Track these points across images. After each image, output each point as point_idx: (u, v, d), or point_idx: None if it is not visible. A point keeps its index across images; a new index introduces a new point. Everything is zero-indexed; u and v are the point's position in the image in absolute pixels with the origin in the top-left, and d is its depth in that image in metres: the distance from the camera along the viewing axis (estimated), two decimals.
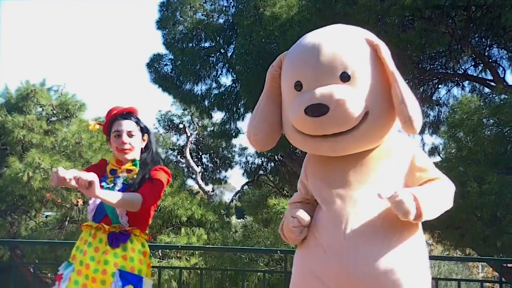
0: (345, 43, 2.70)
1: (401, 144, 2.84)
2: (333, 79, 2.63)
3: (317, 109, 2.58)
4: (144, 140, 3.62)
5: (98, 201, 3.41)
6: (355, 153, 2.76)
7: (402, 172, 2.79)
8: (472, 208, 9.79)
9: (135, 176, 3.50)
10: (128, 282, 3.33)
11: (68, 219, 14.41)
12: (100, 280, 3.30)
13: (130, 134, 3.51)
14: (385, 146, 2.81)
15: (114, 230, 3.39)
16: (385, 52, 2.71)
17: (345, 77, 2.63)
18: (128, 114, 3.58)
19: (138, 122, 3.59)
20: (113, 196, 3.21)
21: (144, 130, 3.62)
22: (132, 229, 3.44)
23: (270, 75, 2.96)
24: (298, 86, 2.71)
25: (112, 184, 3.45)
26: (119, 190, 3.39)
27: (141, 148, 3.61)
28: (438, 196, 2.72)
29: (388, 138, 2.79)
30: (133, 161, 3.54)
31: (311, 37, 2.77)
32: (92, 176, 2.98)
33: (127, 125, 3.52)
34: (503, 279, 6.16)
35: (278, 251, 5.45)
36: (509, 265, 10.22)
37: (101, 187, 3.31)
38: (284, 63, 2.88)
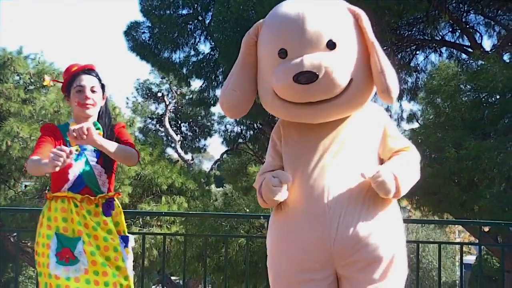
0: (330, 12, 2.72)
1: (374, 113, 2.91)
2: (319, 46, 2.65)
3: (307, 77, 2.59)
4: (104, 98, 3.54)
5: (77, 173, 3.33)
6: (332, 121, 2.80)
7: (376, 140, 2.86)
8: (449, 174, 9.92)
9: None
10: (125, 244, 3.41)
11: (47, 188, 14.32)
12: (112, 247, 3.32)
13: (92, 90, 3.40)
14: (360, 115, 2.87)
15: (102, 201, 3.38)
16: (366, 22, 2.75)
17: (331, 45, 2.66)
18: (90, 70, 3.48)
19: (99, 78, 3.50)
20: (111, 145, 3.23)
21: (103, 87, 3.54)
22: (113, 195, 3.45)
23: (245, 43, 2.95)
24: (283, 53, 2.71)
25: (80, 152, 3.36)
26: (95, 156, 3.38)
27: (101, 106, 3.53)
28: (412, 172, 2.83)
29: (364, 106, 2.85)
30: (95, 125, 3.41)
31: (293, 6, 2.75)
32: (87, 124, 3.00)
33: (90, 80, 3.42)
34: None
35: (261, 217, 5.49)
36: (485, 229, 10.40)
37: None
38: (263, 31, 2.87)
